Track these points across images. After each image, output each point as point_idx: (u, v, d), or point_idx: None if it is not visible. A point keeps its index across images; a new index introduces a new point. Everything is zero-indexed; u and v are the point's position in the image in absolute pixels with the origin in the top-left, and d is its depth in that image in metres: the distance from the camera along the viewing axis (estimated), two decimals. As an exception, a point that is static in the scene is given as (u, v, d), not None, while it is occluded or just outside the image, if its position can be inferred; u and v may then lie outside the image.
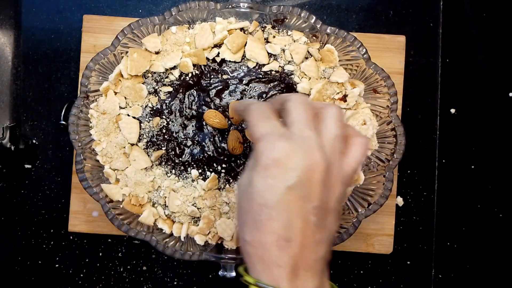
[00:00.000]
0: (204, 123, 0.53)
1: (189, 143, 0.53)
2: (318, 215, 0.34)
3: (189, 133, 0.53)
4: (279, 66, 0.53)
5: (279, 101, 0.40)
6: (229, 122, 0.53)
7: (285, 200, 0.33)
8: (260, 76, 0.53)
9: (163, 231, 0.52)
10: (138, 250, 0.60)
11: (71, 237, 0.60)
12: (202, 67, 0.53)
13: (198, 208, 0.52)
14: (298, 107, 0.37)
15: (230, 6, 0.51)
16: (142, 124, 0.52)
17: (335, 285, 0.38)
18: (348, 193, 0.51)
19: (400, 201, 0.61)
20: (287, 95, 0.39)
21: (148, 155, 0.52)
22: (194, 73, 0.52)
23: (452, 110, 0.62)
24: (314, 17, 0.50)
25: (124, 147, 0.52)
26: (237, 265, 0.51)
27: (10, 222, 0.60)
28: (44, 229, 0.60)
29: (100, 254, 0.60)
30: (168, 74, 0.52)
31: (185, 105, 0.53)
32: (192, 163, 0.52)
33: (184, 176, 0.52)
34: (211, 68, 0.53)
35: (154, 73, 0.52)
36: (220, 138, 0.53)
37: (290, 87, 0.53)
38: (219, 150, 0.52)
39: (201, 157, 0.52)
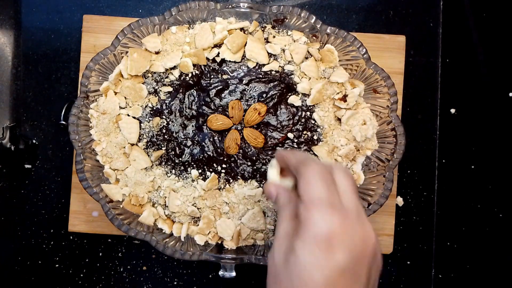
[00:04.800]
0: (204, 124, 0.53)
1: (189, 143, 0.53)
2: None
3: (189, 133, 0.53)
4: (279, 66, 0.53)
5: (292, 161, 0.37)
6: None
7: (335, 283, 0.30)
8: (260, 76, 0.53)
9: (163, 231, 0.52)
10: (138, 250, 0.60)
11: (71, 237, 0.60)
12: (202, 67, 0.53)
13: (198, 208, 0.52)
14: (345, 177, 0.35)
15: (230, 6, 0.51)
16: (142, 124, 0.52)
17: None
18: None
19: (400, 201, 0.61)
20: (300, 160, 0.36)
21: (148, 155, 0.52)
22: (194, 73, 0.52)
23: (452, 110, 0.62)
24: (314, 17, 0.50)
25: (124, 147, 0.52)
26: (237, 265, 0.51)
27: (10, 222, 0.60)
28: (44, 229, 0.60)
29: (100, 254, 0.60)
30: (168, 74, 0.52)
31: (185, 105, 0.53)
32: (192, 163, 0.52)
33: (184, 176, 0.52)
34: (211, 68, 0.53)
35: (154, 73, 0.52)
36: (220, 138, 0.53)
37: (290, 87, 0.53)
38: (219, 150, 0.52)
39: (201, 157, 0.52)
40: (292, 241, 0.31)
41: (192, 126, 0.53)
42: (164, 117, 0.52)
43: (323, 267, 0.29)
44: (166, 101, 0.52)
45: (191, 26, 0.53)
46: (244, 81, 0.53)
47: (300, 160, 0.36)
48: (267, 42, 0.53)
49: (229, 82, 0.53)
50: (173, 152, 0.52)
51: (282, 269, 0.32)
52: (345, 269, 0.30)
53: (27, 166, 0.61)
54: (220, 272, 0.50)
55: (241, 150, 0.52)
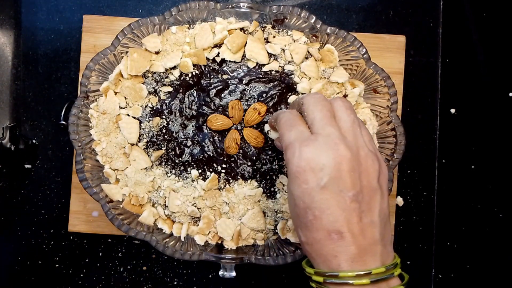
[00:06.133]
0: (204, 124, 0.53)
1: (189, 143, 0.53)
2: (359, 201, 0.36)
3: (189, 133, 0.53)
4: (279, 66, 0.53)
5: (296, 104, 0.42)
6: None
7: (323, 199, 0.36)
8: (260, 76, 0.53)
9: (163, 231, 0.52)
10: (138, 250, 0.60)
11: (71, 237, 0.60)
12: (202, 67, 0.53)
13: (198, 208, 0.52)
14: (313, 107, 0.39)
15: (230, 6, 0.51)
16: (142, 124, 0.52)
17: (403, 272, 0.39)
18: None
19: (400, 201, 0.61)
20: (302, 97, 0.41)
21: (148, 155, 0.52)
22: (194, 73, 0.52)
23: (452, 110, 0.62)
24: (314, 17, 0.50)
25: (124, 147, 0.52)
26: (237, 265, 0.51)
27: (10, 222, 0.60)
28: (44, 229, 0.60)
29: (100, 254, 0.60)
30: (168, 74, 0.52)
31: (185, 105, 0.53)
32: (192, 163, 0.52)
33: (184, 176, 0.52)
34: (211, 68, 0.53)
35: (154, 73, 0.52)
36: (220, 138, 0.53)
37: (290, 87, 0.53)
38: (219, 150, 0.52)
39: (201, 157, 0.52)
40: (288, 184, 0.39)
41: (192, 126, 0.53)
42: (164, 117, 0.52)
43: (309, 192, 0.36)
44: (166, 101, 0.52)
45: (191, 26, 0.53)
46: (244, 81, 0.53)
47: (275, 119, 0.44)
48: (267, 42, 0.53)
49: (229, 82, 0.53)
50: (173, 152, 0.52)
51: (290, 205, 0.39)
52: (325, 187, 0.36)
53: (27, 166, 0.61)
54: (220, 272, 0.50)
55: (241, 150, 0.52)
